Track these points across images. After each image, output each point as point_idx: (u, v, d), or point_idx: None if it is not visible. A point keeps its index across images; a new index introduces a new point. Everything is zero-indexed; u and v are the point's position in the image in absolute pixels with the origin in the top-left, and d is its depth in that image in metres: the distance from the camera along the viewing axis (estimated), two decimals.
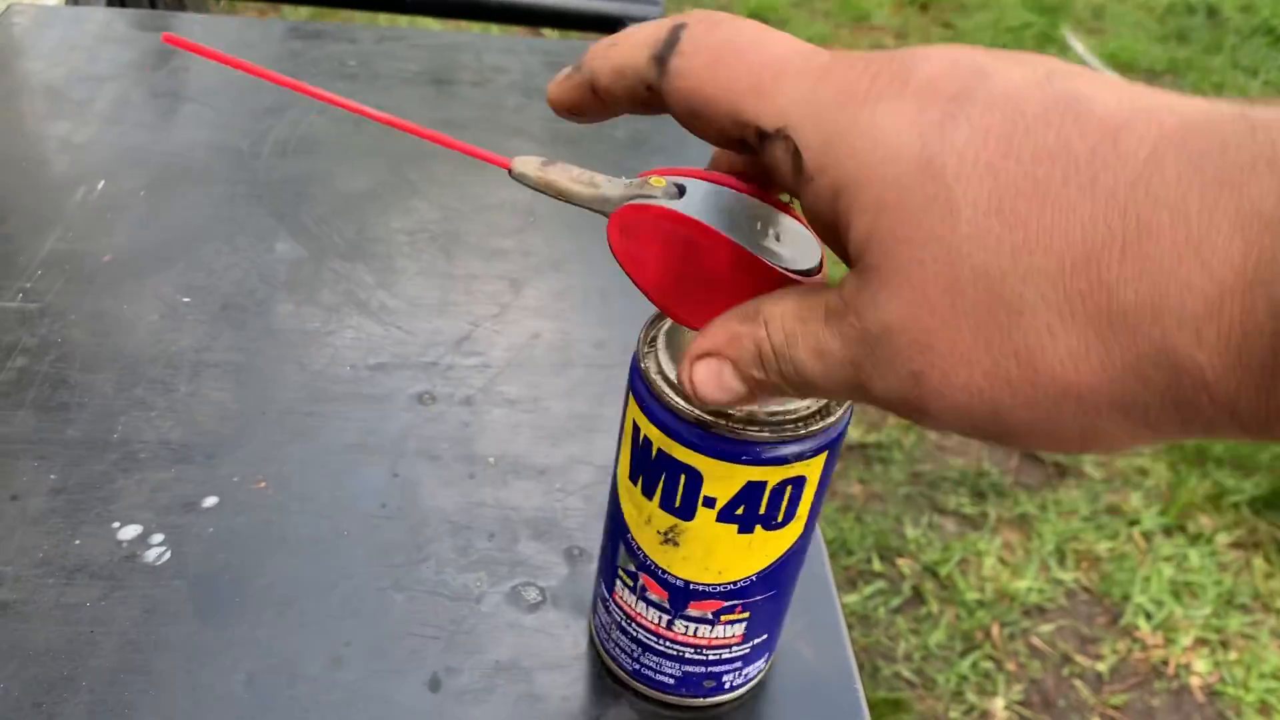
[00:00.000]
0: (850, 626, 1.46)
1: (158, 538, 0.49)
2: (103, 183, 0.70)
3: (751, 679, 0.44)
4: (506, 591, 0.48)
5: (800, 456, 0.35)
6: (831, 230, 0.26)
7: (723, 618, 0.40)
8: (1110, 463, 1.71)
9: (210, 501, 0.50)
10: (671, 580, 0.39)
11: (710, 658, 0.42)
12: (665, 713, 0.44)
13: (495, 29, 1.16)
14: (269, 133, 0.76)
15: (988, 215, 0.22)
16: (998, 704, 1.39)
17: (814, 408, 0.35)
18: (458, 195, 0.72)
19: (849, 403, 0.36)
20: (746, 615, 0.40)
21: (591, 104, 0.31)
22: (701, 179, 0.32)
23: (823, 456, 0.36)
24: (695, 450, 0.35)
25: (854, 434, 1.73)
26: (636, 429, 0.37)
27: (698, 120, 0.28)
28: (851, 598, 1.50)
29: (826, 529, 1.58)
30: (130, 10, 0.92)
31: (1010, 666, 1.43)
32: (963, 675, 1.41)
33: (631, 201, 0.32)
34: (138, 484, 0.51)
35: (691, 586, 0.39)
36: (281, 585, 0.47)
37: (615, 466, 0.40)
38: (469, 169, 0.74)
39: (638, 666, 0.43)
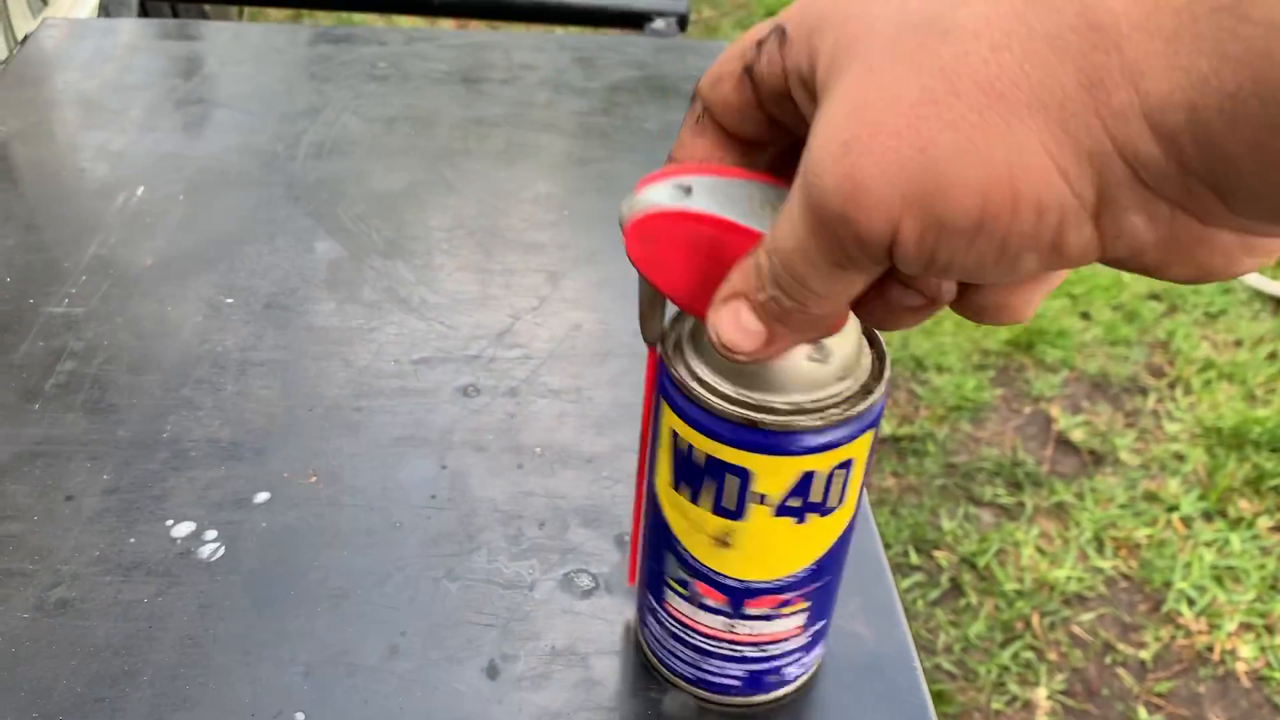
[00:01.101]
0: None
1: (211, 534, 0.49)
2: (141, 189, 0.70)
3: (810, 667, 0.44)
4: (559, 579, 0.48)
5: (849, 439, 0.35)
6: (808, 80, 0.27)
7: (783, 610, 0.40)
8: (1147, 449, 1.69)
9: (262, 497, 0.51)
10: (728, 582, 0.38)
11: (773, 653, 0.41)
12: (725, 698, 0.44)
13: (521, 28, 1.17)
14: (303, 135, 0.76)
15: None
16: (1040, 694, 1.38)
17: (854, 388, 0.35)
18: (493, 191, 0.72)
19: (885, 382, 0.35)
20: (807, 605, 0.40)
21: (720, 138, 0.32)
22: (699, 173, 0.32)
23: (869, 435, 0.36)
24: (745, 449, 0.34)
25: (887, 428, 1.72)
26: (677, 436, 0.36)
27: (718, 85, 0.30)
28: None
29: None
30: (159, 21, 0.93)
31: (1052, 656, 1.42)
32: (1004, 666, 1.40)
33: (645, 209, 0.31)
34: (189, 482, 0.51)
35: (750, 586, 0.38)
36: (335, 577, 0.47)
37: (650, 476, 0.39)
38: (503, 165, 0.74)
39: (700, 674, 0.42)
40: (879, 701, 0.44)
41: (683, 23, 0.94)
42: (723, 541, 0.37)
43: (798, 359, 0.34)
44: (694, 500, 0.37)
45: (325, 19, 2.19)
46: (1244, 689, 1.39)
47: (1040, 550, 1.55)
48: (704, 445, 0.35)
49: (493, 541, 0.49)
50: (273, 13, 1.93)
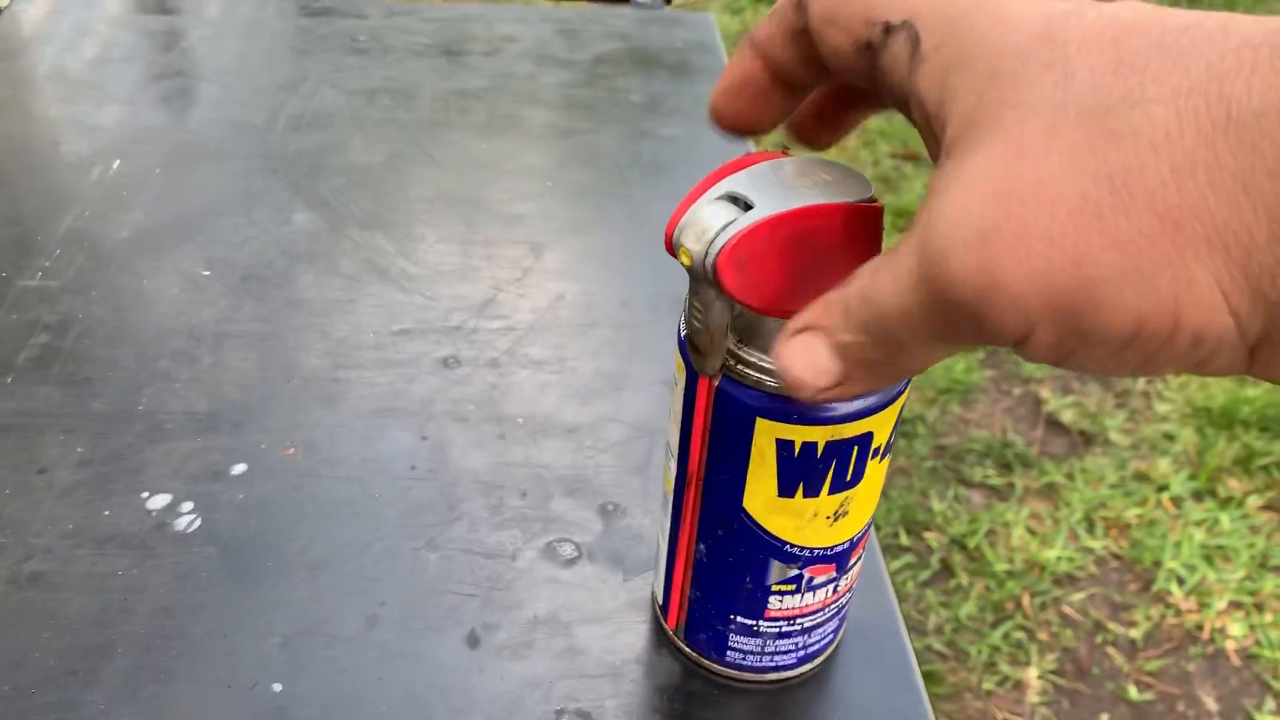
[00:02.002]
0: None
1: (187, 506, 0.48)
2: (118, 162, 0.69)
3: None
4: (541, 548, 0.47)
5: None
6: (936, 116, 0.25)
7: (864, 543, 0.40)
8: (1136, 429, 1.69)
9: (239, 469, 0.50)
10: (840, 548, 0.38)
11: (856, 587, 0.42)
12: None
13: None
14: (282, 108, 0.75)
15: (1104, 74, 0.21)
16: (1031, 674, 1.38)
17: None
18: (474, 163, 0.71)
19: None
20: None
21: (760, 80, 0.30)
22: (733, 175, 0.31)
23: None
24: (868, 416, 0.34)
25: None
26: (788, 444, 0.34)
27: (832, 27, 0.27)
28: None
29: None
30: None
31: (1042, 636, 1.42)
32: (995, 646, 1.40)
33: (725, 237, 0.30)
34: (165, 454, 0.50)
35: (855, 539, 0.38)
36: (314, 549, 0.47)
37: (736, 503, 0.37)
38: (485, 137, 0.73)
39: (804, 653, 0.42)
40: (867, 666, 0.43)
41: None
42: (841, 513, 0.37)
43: None
44: (813, 493, 0.36)
45: None
46: (1234, 667, 1.39)
47: (1030, 531, 1.55)
48: (826, 434, 0.34)
49: (474, 511, 0.48)
50: None
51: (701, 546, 0.39)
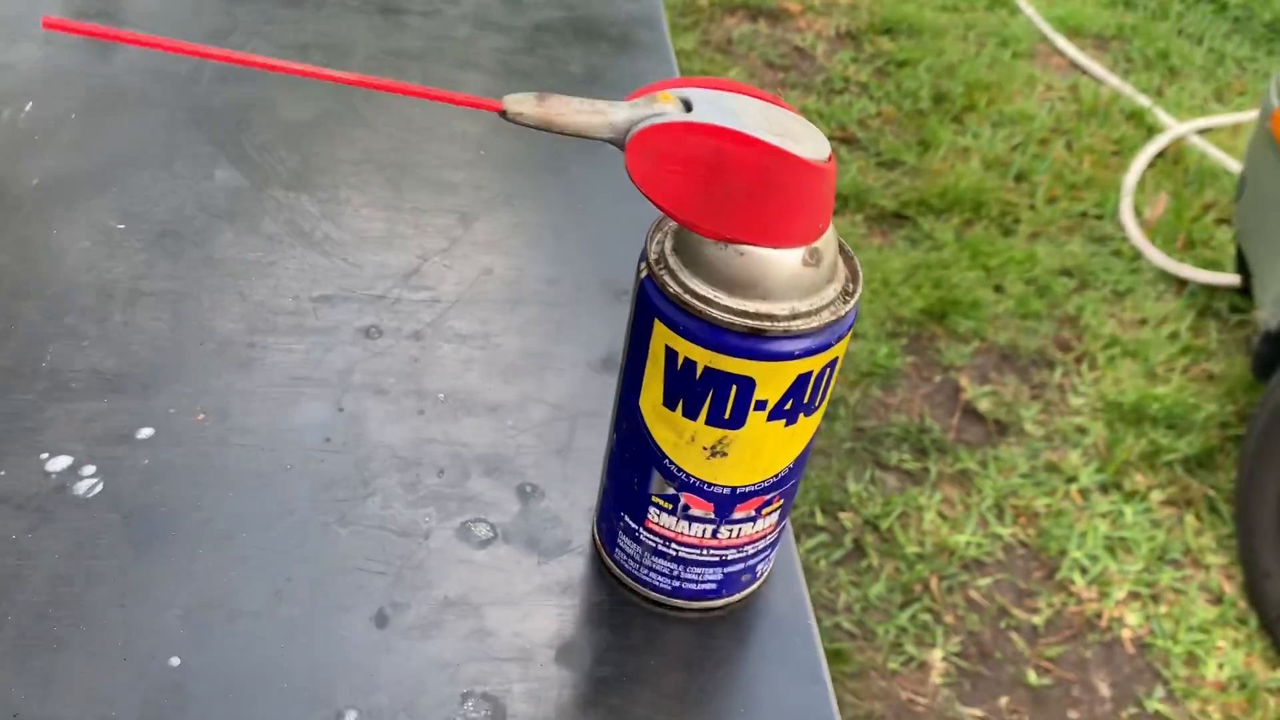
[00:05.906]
0: None
1: (89, 469, 0.46)
2: (30, 104, 0.66)
3: (773, 560, 0.45)
4: (456, 527, 0.46)
5: (839, 338, 0.36)
6: None
7: (764, 511, 0.41)
8: (1050, 421, 1.73)
9: (145, 433, 0.48)
10: (718, 490, 0.39)
11: (750, 553, 0.43)
12: (626, 640, 0.43)
13: None
14: None
15: None
16: (935, 655, 1.41)
17: (839, 290, 0.36)
18: (407, 126, 0.69)
19: (860, 282, 0.37)
20: (782, 502, 0.41)
21: None
22: (700, 87, 0.33)
23: (850, 334, 0.37)
24: (750, 358, 0.35)
25: None
26: (673, 353, 0.36)
27: None
28: None
29: None
30: None
31: (948, 619, 1.45)
32: (902, 627, 1.43)
33: (647, 122, 0.31)
34: (68, 414, 0.49)
35: (738, 491, 0.39)
36: (220, 519, 0.45)
37: (634, 399, 0.39)
38: (418, 100, 0.72)
39: (678, 584, 0.43)
40: (776, 658, 0.44)
41: None
42: (718, 452, 0.38)
43: (795, 263, 0.35)
44: (690, 415, 0.37)
45: None
46: (1128, 655, 1.44)
47: (942, 515, 1.58)
48: (705, 358, 0.35)
49: (388, 488, 0.47)
50: None
51: (614, 435, 0.42)
